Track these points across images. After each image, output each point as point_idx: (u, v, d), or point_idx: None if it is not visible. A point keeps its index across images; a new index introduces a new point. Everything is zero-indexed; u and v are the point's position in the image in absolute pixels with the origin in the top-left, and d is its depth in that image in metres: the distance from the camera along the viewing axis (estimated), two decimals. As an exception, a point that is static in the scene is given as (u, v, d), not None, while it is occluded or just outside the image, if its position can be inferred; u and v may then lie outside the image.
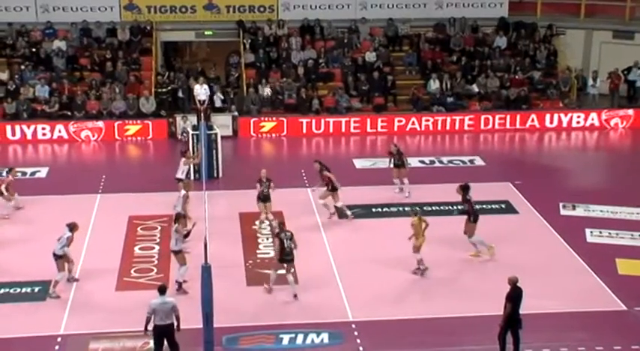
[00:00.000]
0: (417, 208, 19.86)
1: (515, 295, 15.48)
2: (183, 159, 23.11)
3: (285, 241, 17.92)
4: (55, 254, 18.11)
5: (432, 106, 32.06)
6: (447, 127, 31.42)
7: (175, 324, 15.19)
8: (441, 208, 22.83)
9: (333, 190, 22.17)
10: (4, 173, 22.84)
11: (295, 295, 17.91)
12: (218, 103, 30.63)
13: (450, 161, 27.98)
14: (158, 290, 15.27)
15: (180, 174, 22.64)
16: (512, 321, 15.48)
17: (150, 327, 15.20)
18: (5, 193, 22.34)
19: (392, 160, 24.19)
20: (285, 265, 18.04)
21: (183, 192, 21.17)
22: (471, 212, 20.15)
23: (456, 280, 19.03)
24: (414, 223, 19.07)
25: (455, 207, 21.30)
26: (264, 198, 21.60)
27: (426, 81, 32.85)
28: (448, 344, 16.28)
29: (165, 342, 15.24)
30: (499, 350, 15.62)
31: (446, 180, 24.97)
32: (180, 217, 18.67)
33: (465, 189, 20.44)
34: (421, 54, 34.03)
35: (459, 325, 17.00)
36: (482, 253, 20.17)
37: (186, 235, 18.39)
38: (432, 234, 19.77)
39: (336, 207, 22.39)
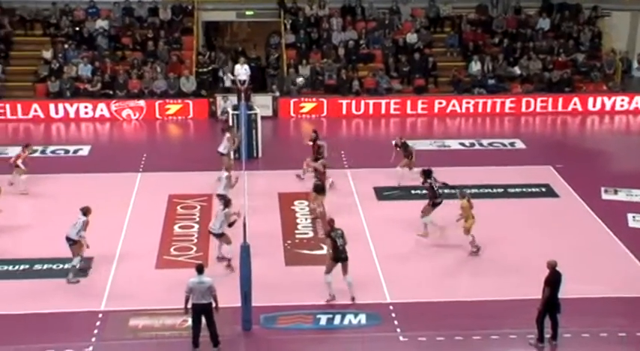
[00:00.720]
0: (467, 191, 19.73)
1: (554, 280, 15.38)
2: (228, 135, 23.20)
3: (337, 239, 17.08)
4: (70, 239, 17.81)
5: (473, 88, 31.83)
6: (488, 110, 31.19)
7: (214, 304, 15.28)
8: (480, 190, 22.69)
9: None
10: (21, 149, 23.15)
11: (353, 299, 17.22)
12: (228, 83, 30.63)
13: (491, 144, 27.78)
14: (196, 269, 15.37)
15: (223, 148, 22.76)
16: (550, 305, 15.38)
17: (189, 305, 15.32)
18: (22, 168, 22.62)
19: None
20: (340, 265, 17.16)
21: (225, 173, 21.17)
22: (431, 196, 20.01)
23: (494, 263, 18.92)
24: (464, 206, 19.03)
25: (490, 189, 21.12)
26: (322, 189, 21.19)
27: (468, 63, 32.61)
28: (485, 327, 16.22)
29: (204, 320, 15.36)
30: (537, 334, 15.54)
31: (486, 163, 24.86)
32: (230, 201, 18.61)
33: (426, 174, 20.23)
34: (463, 36, 33.76)
35: (496, 308, 16.94)
36: (428, 234, 20.03)
37: (231, 224, 18.39)
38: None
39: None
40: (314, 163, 22.61)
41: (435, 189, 20.01)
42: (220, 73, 31.58)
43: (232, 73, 27.42)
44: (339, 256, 16.99)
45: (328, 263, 17.08)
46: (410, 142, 24.35)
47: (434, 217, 19.98)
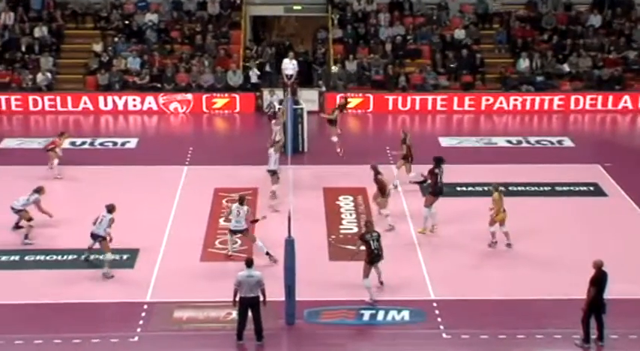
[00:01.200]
0: (502, 188, 19.56)
1: (599, 280, 15.17)
2: (274, 122, 23.23)
3: (371, 242, 16.98)
4: (97, 235, 17.94)
5: (520, 85, 31.52)
6: (536, 107, 30.87)
7: (262, 298, 15.33)
8: (527, 188, 22.48)
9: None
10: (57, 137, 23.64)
11: (382, 282, 17.47)
12: (254, 79, 30.69)
13: (538, 141, 27.49)
14: (245, 263, 15.45)
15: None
16: (595, 306, 15.19)
17: (237, 299, 15.40)
18: (58, 153, 22.98)
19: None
20: (374, 266, 17.16)
21: (273, 186, 21.25)
22: (433, 185, 20.04)
23: (540, 262, 18.75)
24: (495, 199, 18.97)
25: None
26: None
27: (516, 60, 32.30)
28: (529, 326, 16.08)
29: (251, 314, 15.43)
30: (583, 335, 15.37)
31: (533, 160, 24.61)
32: (245, 199, 18.71)
33: (437, 161, 20.22)
34: (511, 32, 33.45)
35: (541, 307, 16.78)
36: (433, 227, 20.13)
37: (254, 221, 18.56)
38: (518, 213, 19.58)
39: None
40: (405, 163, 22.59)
41: (439, 179, 20.00)
42: (272, 67, 31.74)
43: (258, 70, 27.59)
44: (373, 259, 16.95)
45: (364, 267, 16.94)
46: (455, 139, 24.15)
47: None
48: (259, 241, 18.48)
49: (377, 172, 20.35)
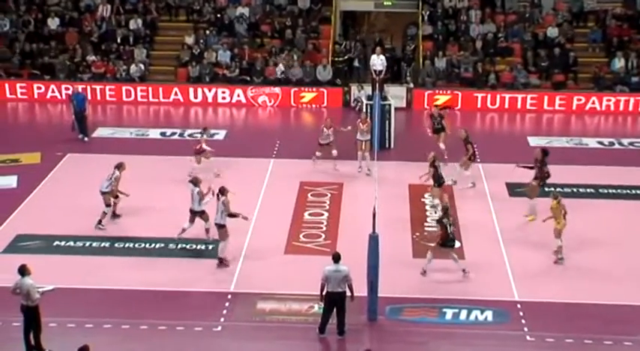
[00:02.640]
0: (558, 193, 19.04)
1: None
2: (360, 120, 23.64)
3: (448, 226, 17.47)
4: (101, 191, 19.73)
5: (614, 85, 30.77)
6: (630, 108, 30.08)
7: (349, 293, 15.35)
8: (618, 191, 21.98)
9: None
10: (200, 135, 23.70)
11: (464, 270, 17.71)
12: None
13: (631, 143, 26.81)
14: (333, 258, 15.51)
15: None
16: None
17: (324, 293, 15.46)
18: (209, 149, 23.26)
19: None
20: (449, 250, 17.68)
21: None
22: (540, 177, 20.19)
23: (630, 267, 18.30)
24: (553, 207, 18.44)
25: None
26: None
27: (611, 59, 31.54)
28: (616, 332, 15.74)
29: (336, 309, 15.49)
30: None
31: (625, 163, 24.02)
32: (227, 190, 18.17)
33: (544, 153, 20.42)
34: (607, 31, 32.66)
35: (629, 314, 16.39)
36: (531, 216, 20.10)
37: (232, 215, 18.09)
38: (608, 217, 19.16)
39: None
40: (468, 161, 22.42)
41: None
42: (360, 63, 31.78)
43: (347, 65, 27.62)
44: (447, 243, 17.49)
45: (435, 248, 17.78)
46: (544, 139, 23.76)
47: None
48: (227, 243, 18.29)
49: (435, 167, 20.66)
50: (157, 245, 19.18)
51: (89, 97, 29.42)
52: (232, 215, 18.09)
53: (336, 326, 15.56)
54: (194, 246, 19.03)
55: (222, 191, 18.13)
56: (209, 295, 17.15)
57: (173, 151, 25.04)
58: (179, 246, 18.91)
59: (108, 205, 20.02)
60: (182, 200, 19.92)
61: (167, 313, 16.42)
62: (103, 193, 20.04)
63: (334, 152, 23.16)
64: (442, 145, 23.76)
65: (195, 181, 19.20)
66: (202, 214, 19.03)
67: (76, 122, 26.20)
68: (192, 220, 19.14)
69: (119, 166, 20.33)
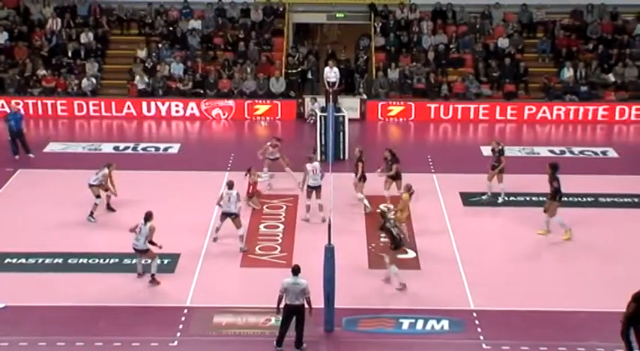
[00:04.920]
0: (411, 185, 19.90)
1: None
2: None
3: (392, 229, 17.74)
4: (89, 184, 20.69)
5: (564, 94, 31.24)
6: (580, 117, 30.55)
7: (307, 306, 15.34)
8: (570, 199, 22.25)
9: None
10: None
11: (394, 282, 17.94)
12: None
13: (581, 152, 27.22)
14: (292, 270, 15.48)
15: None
16: (635, 319, 14.91)
17: (282, 305, 15.45)
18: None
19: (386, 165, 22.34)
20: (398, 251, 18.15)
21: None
22: (559, 192, 20.06)
23: (581, 274, 18.55)
24: (404, 199, 19.46)
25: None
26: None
27: (560, 69, 32.01)
28: (571, 339, 15.91)
29: (295, 322, 15.44)
30: (625, 349, 15.14)
31: (576, 171, 24.35)
32: (151, 214, 17.93)
33: (554, 168, 20.24)
34: (556, 41, 33.17)
35: (583, 320, 16.60)
36: (552, 233, 20.08)
37: (151, 242, 17.81)
38: (558, 225, 19.37)
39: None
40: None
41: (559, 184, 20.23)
42: (313, 75, 31.86)
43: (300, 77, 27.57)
44: (398, 244, 17.76)
45: (391, 254, 17.80)
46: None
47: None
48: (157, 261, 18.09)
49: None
50: (112, 260, 18.98)
51: (40, 111, 29.03)
52: (152, 243, 17.74)
53: (294, 339, 15.51)
54: (149, 261, 18.83)
55: (148, 217, 17.78)
56: (165, 309, 16.99)
57: (127, 165, 24.80)
58: (133, 261, 18.71)
59: (98, 197, 20.81)
60: (135, 214, 19.72)
61: (122, 329, 16.23)
62: (90, 186, 20.83)
63: (287, 169, 22.97)
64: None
65: (230, 185, 19.61)
66: (236, 218, 19.34)
67: (12, 143, 25.57)
68: (222, 220, 19.62)
69: (109, 166, 21.27)
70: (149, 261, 17.95)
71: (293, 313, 15.34)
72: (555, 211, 20.10)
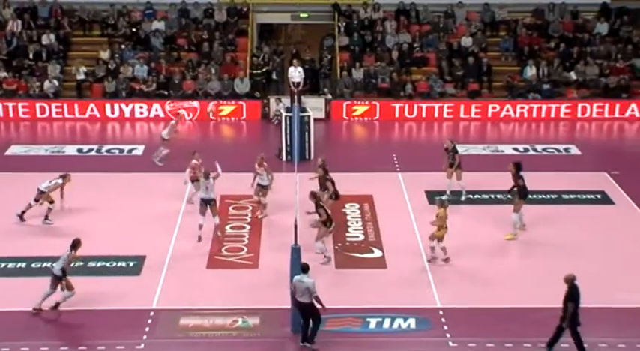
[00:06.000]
0: (447, 203, 19.31)
1: (575, 294, 15.00)
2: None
3: (327, 208, 18.87)
4: (39, 190, 20.48)
5: (527, 92, 31.51)
6: (543, 115, 30.86)
7: (317, 305, 15.36)
8: (534, 196, 22.41)
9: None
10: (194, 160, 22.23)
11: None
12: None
13: (545, 149, 27.48)
14: (301, 268, 15.44)
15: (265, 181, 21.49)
16: (575, 318, 15.07)
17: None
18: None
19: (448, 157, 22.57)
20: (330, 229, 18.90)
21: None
22: (525, 190, 20.19)
23: (546, 271, 18.69)
24: (440, 215, 18.63)
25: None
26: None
27: (522, 67, 32.29)
28: (536, 334, 16.02)
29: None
30: (577, 346, 15.26)
31: (539, 168, 24.56)
32: (78, 243, 16.91)
33: (517, 167, 20.38)
34: (518, 40, 33.45)
35: (548, 316, 16.69)
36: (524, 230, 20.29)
37: (64, 270, 16.70)
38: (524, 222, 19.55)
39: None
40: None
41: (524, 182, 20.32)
42: (278, 75, 31.84)
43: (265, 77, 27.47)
44: (332, 222, 18.43)
45: (322, 230, 18.61)
46: (461, 147, 24.12)
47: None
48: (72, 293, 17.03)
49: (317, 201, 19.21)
50: (77, 264, 18.76)
51: (1, 114, 28.69)
52: (64, 271, 16.69)
53: (307, 334, 15.56)
54: (114, 263, 18.73)
55: (75, 245, 16.86)
56: (131, 312, 16.86)
57: (91, 167, 24.64)
58: (98, 264, 18.56)
59: (36, 201, 20.69)
60: (100, 217, 19.65)
61: (88, 332, 16.11)
62: (38, 191, 20.64)
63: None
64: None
65: (206, 175, 19.79)
66: (214, 205, 19.74)
67: None
68: (203, 213, 19.73)
69: (64, 177, 21.05)
70: (133, 263, 17.82)
71: (302, 310, 15.42)
72: (519, 209, 20.25)
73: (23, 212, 20.74)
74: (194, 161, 21.85)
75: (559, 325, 15.18)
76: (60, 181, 20.94)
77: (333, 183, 20.78)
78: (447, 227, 18.68)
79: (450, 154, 22.46)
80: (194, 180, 21.63)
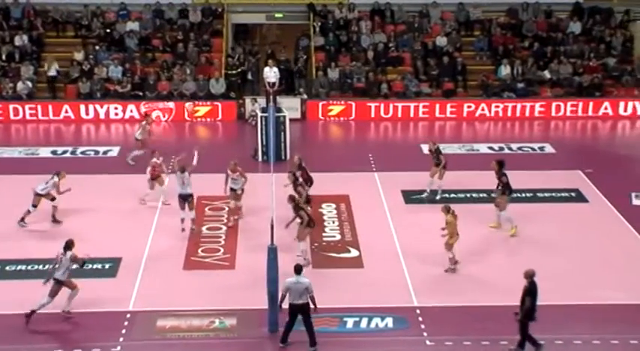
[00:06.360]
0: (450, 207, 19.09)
1: (534, 290, 15.13)
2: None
3: (306, 209, 18.81)
4: (37, 193, 20.36)
5: (502, 92, 31.67)
6: (517, 114, 31.03)
7: (312, 305, 15.33)
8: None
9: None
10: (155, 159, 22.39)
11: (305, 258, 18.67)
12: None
13: (520, 148, 27.64)
14: (294, 270, 15.41)
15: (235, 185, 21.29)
16: (532, 314, 15.20)
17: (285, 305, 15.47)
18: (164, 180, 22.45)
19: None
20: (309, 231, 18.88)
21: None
22: (509, 187, 20.32)
23: (522, 268, 18.73)
24: (449, 221, 18.42)
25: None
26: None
27: (497, 66, 32.46)
28: (513, 332, 16.08)
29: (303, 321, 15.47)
30: (521, 339, 15.37)
31: (515, 167, 24.66)
32: (72, 244, 16.66)
33: (500, 164, 20.56)
34: (492, 39, 33.62)
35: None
36: (502, 228, 20.37)
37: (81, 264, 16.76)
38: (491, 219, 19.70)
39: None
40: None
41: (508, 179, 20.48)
42: (253, 76, 31.78)
43: (240, 78, 27.46)
44: (311, 223, 18.49)
45: (303, 232, 18.59)
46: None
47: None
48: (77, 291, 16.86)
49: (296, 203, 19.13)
50: (52, 266, 18.62)
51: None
52: (82, 264, 16.68)
53: (308, 338, 15.46)
54: (90, 266, 18.57)
55: (69, 246, 16.55)
56: (107, 314, 16.76)
57: (66, 169, 24.36)
58: (74, 266, 18.41)
59: (34, 206, 20.51)
60: (76, 219, 19.52)
61: (64, 336, 16.01)
62: (37, 194, 20.52)
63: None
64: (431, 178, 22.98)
65: (182, 169, 20.02)
66: (191, 200, 20.06)
67: None
68: (183, 207, 20.03)
69: (58, 174, 20.83)
70: (109, 265, 17.68)
71: (297, 312, 15.35)
72: (505, 206, 20.38)
73: (22, 218, 20.60)
74: (154, 160, 22.13)
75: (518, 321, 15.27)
76: (56, 178, 20.78)
77: (303, 186, 20.61)
78: (459, 234, 18.44)
79: (434, 155, 22.54)
80: (154, 177, 22.00)
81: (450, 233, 18.35)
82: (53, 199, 20.74)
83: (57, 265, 16.41)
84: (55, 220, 20.84)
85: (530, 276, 15.17)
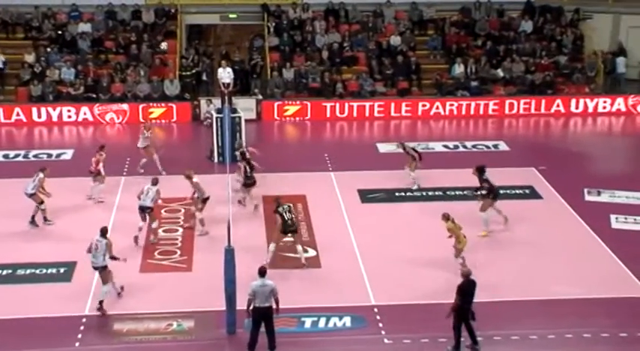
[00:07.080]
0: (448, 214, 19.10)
1: (467, 289, 15.31)
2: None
3: (284, 214, 18.47)
4: (26, 193, 20.36)
5: (456, 90, 31.92)
6: (472, 112, 31.30)
7: (275, 307, 15.22)
8: (465, 193, 22.74)
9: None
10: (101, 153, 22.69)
11: (304, 264, 18.59)
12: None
13: (474, 146, 27.88)
14: (258, 272, 15.29)
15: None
16: (464, 314, 15.33)
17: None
18: (103, 173, 22.53)
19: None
20: (290, 236, 18.74)
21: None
22: (493, 190, 20.42)
23: (478, 265, 18.91)
24: (449, 227, 18.43)
25: (477, 192, 21.14)
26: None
27: (451, 65, 32.70)
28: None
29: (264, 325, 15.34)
30: (454, 341, 15.50)
31: (470, 165, 24.84)
32: (106, 231, 17.19)
33: (480, 170, 20.65)
34: (446, 38, 33.87)
35: (479, 310, 16.92)
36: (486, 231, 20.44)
37: (113, 258, 17.05)
38: (455, 218, 19.73)
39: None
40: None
41: (492, 183, 20.53)
42: (208, 76, 31.65)
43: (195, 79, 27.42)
44: (287, 228, 18.35)
45: (277, 235, 18.64)
46: (393, 146, 24.38)
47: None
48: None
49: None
50: (5, 272, 18.41)
51: None
52: (114, 258, 17.00)
53: (267, 342, 15.36)
54: (44, 270, 18.39)
55: (104, 232, 17.00)
56: (62, 319, 16.57)
57: (18, 173, 24.13)
58: (27, 271, 18.19)
59: (41, 203, 20.62)
60: (25, 224, 19.22)
61: (18, 341, 15.77)
62: (30, 195, 20.43)
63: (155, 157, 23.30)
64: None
65: (154, 181, 19.99)
66: (151, 212, 19.69)
67: None
68: (144, 219, 19.75)
69: (43, 170, 20.90)
70: (64, 269, 17.57)
71: (263, 316, 15.19)
72: (487, 208, 20.46)
73: (33, 216, 20.70)
74: (98, 156, 22.31)
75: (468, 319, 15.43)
76: (41, 175, 20.73)
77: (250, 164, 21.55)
78: (466, 237, 18.40)
79: (406, 152, 22.93)
80: (96, 174, 22.19)
81: (456, 239, 18.32)
82: (41, 202, 20.68)
83: (97, 251, 16.72)
84: (45, 220, 20.86)
85: (465, 275, 15.33)
